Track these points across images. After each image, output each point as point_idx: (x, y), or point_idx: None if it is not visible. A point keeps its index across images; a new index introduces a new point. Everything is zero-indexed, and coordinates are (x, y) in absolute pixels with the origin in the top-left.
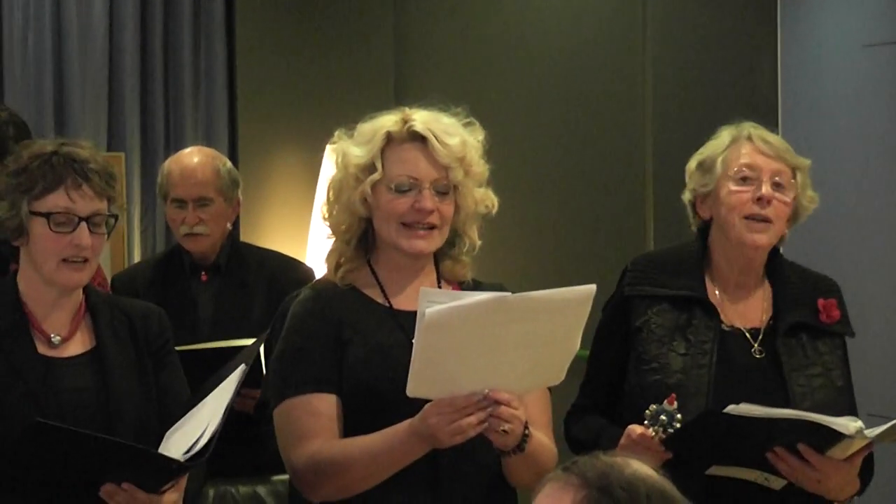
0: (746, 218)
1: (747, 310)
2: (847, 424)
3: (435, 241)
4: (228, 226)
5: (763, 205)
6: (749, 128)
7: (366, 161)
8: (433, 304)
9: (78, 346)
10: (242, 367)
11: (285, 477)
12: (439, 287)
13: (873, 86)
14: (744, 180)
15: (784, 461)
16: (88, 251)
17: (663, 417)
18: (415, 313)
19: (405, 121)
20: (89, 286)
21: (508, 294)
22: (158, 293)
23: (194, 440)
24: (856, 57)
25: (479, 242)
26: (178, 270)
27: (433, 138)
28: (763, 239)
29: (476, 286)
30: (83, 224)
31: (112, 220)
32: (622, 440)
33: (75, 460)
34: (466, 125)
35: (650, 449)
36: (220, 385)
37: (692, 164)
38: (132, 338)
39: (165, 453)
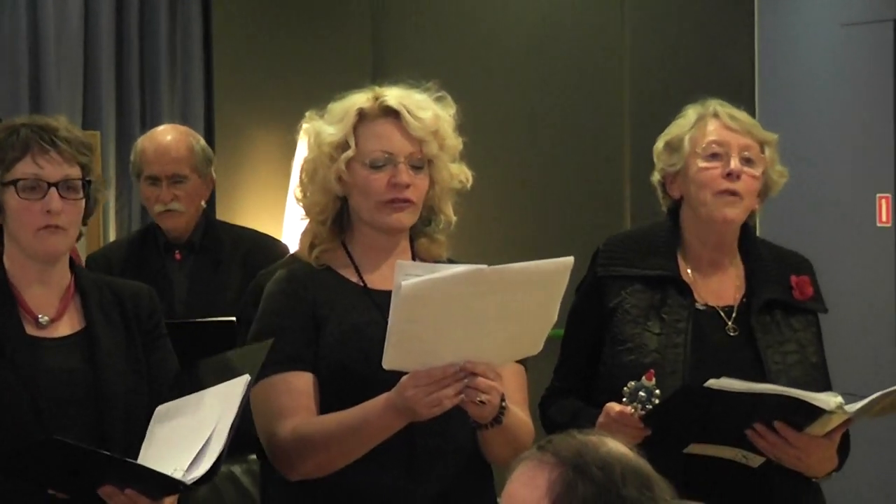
0: (717, 194)
1: (721, 288)
2: (827, 400)
3: (412, 216)
4: (203, 203)
5: (733, 179)
6: (715, 105)
7: (339, 139)
8: (409, 276)
9: (67, 326)
10: (246, 378)
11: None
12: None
13: (851, 65)
14: (713, 156)
15: (763, 438)
16: (62, 217)
17: (642, 394)
18: (390, 293)
19: (377, 97)
20: (78, 267)
21: (485, 266)
22: (133, 272)
23: (195, 455)
24: (834, 36)
25: (454, 219)
26: (153, 249)
27: (406, 112)
28: (734, 213)
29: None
30: (52, 189)
31: (87, 185)
32: (600, 418)
33: (85, 472)
34: (438, 99)
35: (629, 426)
36: (223, 390)
37: (659, 145)
38: (122, 318)
39: (155, 447)
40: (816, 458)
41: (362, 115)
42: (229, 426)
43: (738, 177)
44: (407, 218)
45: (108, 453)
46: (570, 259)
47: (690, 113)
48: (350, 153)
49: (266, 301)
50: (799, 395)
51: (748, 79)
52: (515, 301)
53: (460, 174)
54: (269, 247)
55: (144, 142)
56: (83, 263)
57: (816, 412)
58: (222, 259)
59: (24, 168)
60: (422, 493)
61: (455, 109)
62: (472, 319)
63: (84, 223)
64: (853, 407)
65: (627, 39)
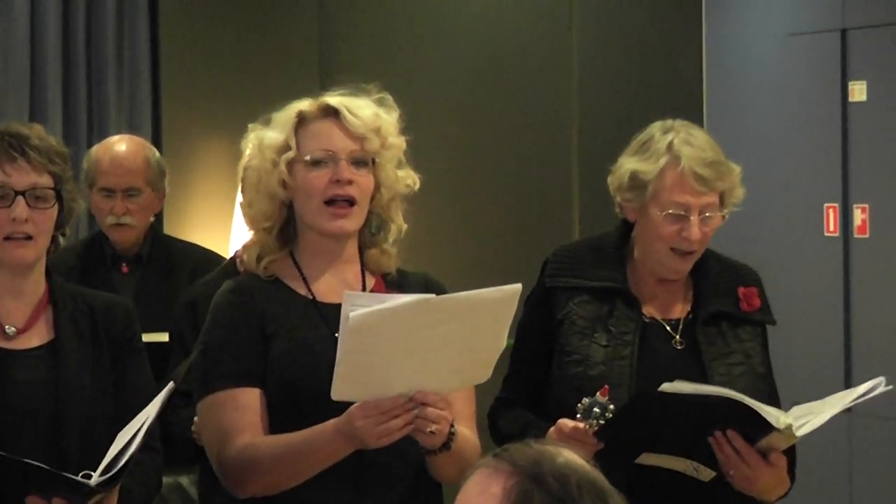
0: (671, 249)
1: (668, 302)
2: (778, 417)
3: (356, 219)
4: (152, 217)
5: (690, 242)
6: (683, 148)
7: (280, 142)
8: (357, 307)
9: (36, 338)
10: (170, 386)
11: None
12: (363, 278)
13: (798, 75)
14: (673, 216)
15: (722, 448)
16: (29, 226)
17: (597, 410)
18: (338, 306)
19: (317, 100)
20: (54, 277)
21: (432, 296)
22: (78, 282)
23: (113, 457)
24: (780, 46)
25: (404, 227)
26: (99, 260)
27: (345, 110)
28: (685, 267)
29: (400, 277)
30: (20, 198)
31: (61, 199)
32: (552, 434)
33: (6, 481)
34: (379, 101)
35: (582, 442)
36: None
37: (624, 171)
38: (93, 331)
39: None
40: (766, 480)
41: (302, 117)
42: (147, 427)
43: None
44: (349, 223)
45: (17, 458)
46: (518, 286)
47: (659, 148)
48: (291, 154)
49: (213, 313)
50: (748, 403)
51: (696, 88)
52: (464, 329)
53: (406, 177)
54: (214, 263)
55: (99, 151)
56: None
57: (766, 428)
58: (169, 273)
59: None
60: None
61: (398, 112)
62: (421, 349)
63: (62, 232)
64: (802, 431)
65: (575, 45)
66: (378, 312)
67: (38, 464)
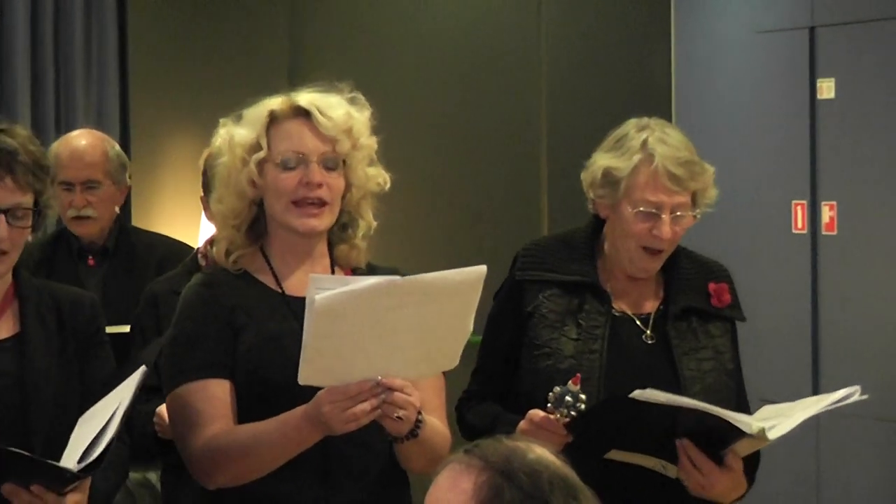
0: (642, 247)
1: (639, 297)
2: (750, 423)
3: (326, 219)
4: (116, 209)
5: (661, 242)
6: (657, 146)
7: (251, 141)
8: (322, 290)
9: (3, 330)
10: (143, 369)
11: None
12: (332, 273)
13: (766, 72)
14: (645, 214)
15: (685, 455)
16: (6, 243)
17: (568, 399)
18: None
19: (289, 99)
20: (20, 271)
21: (398, 277)
22: (46, 276)
23: (88, 444)
24: (748, 44)
25: (374, 224)
26: (66, 253)
27: (317, 111)
28: (655, 266)
29: (370, 271)
30: (1, 216)
31: (39, 217)
32: (523, 424)
33: None
34: (351, 100)
35: (553, 433)
36: (124, 385)
37: (597, 168)
38: (59, 324)
39: (71, 448)
40: (720, 488)
41: (273, 117)
42: (123, 413)
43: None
44: (320, 223)
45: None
46: (483, 268)
47: (633, 145)
48: (262, 154)
49: (182, 306)
50: (722, 415)
51: (665, 86)
52: (430, 312)
53: (377, 176)
54: (182, 253)
55: (59, 146)
56: None
57: (738, 434)
58: (136, 265)
59: None
60: (338, 500)
61: (370, 111)
62: (387, 332)
63: (33, 232)
64: (775, 434)
65: (544, 45)
66: (344, 294)
67: (20, 451)
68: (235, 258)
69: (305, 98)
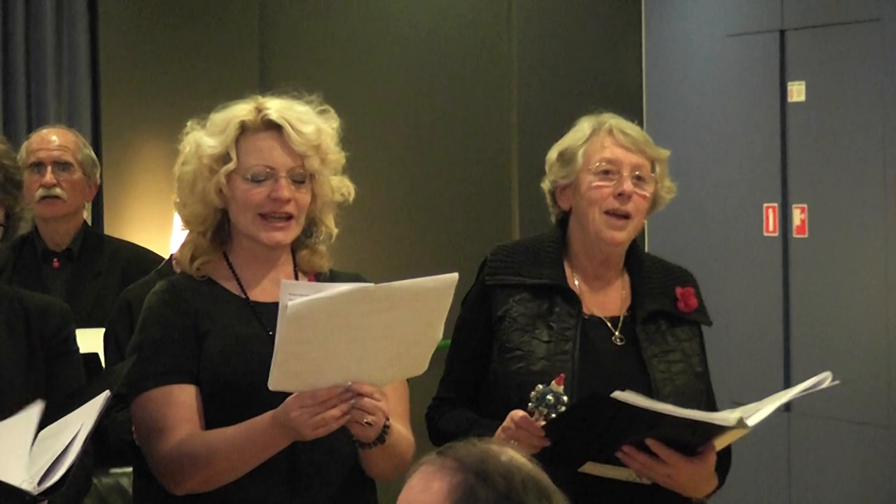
0: (606, 213)
1: (606, 300)
2: (727, 417)
3: (292, 232)
4: (84, 213)
5: (624, 200)
6: (609, 119)
7: (220, 151)
8: (294, 296)
9: None
10: (106, 394)
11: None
12: (296, 278)
13: (737, 75)
14: (604, 174)
15: (633, 458)
16: None
17: (550, 398)
18: (272, 305)
19: (259, 109)
20: None
21: (370, 284)
22: (10, 278)
23: (49, 465)
24: (720, 47)
25: (335, 231)
26: (31, 256)
27: (288, 126)
28: (622, 235)
29: (333, 276)
30: None
31: (9, 231)
32: (505, 423)
33: None
34: (321, 112)
35: (531, 434)
36: (87, 406)
37: (552, 155)
38: (27, 331)
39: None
40: (687, 477)
41: (244, 128)
42: (84, 437)
43: (629, 197)
44: (285, 236)
45: None
46: (455, 276)
47: (585, 125)
48: (231, 166)
49: (146, 312)
50: (700, 418)
51: (636, 89)
52: (400, 319)
53: (342, 187)
54: (148, 260)
55: (32, 136)
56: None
57: (718, 430)
58: (101, 269)
59: None
60: None
61: (338, 122)
62: (358, 339)
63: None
64: (753, 420)
65: (515, 48)
66: (316, 301)
67: None
68: (199, 264)
69: (276, 110)
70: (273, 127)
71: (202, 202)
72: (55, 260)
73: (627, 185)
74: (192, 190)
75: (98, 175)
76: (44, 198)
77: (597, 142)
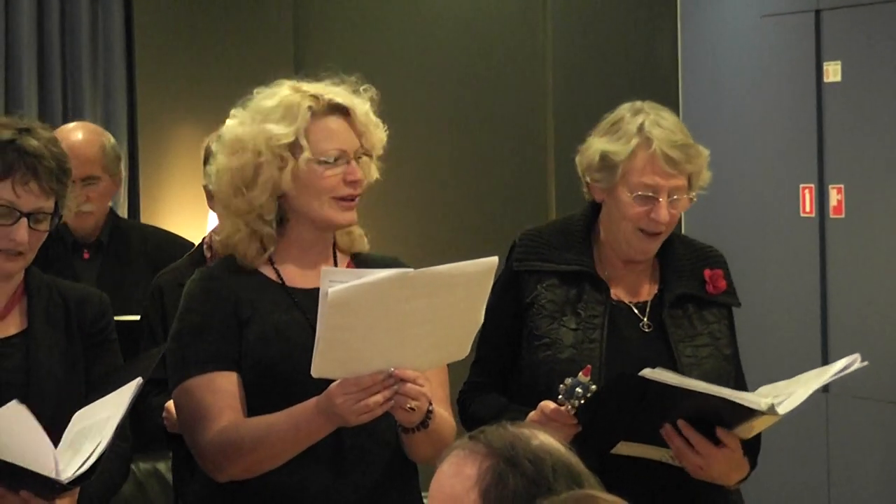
0: (639, 230)
1: (635, 284)
2: (758, 400)
3: (355, 211)
4: (110, 202)
5: (657, 225)
6: (654, 129)
7: (289, 138)
8: (335, 283)
9: (10, 327)
10: (138, 381)
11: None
12: (335, 258)
13: (772, 56)
14: (642, 197)
15: (674, 440)
16: (24, 246)
17: (579, 390)
18: (310, 291)
19: (318, 95)
20: (31, 268)
21: (410, 270)
22: (42, 271)
23: (86, 456)
24: (754, 28)
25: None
26: (61, 248)
27: (355, 108)
28: (652, 248)
29: (371, 260)
30: (23, 220)
31: (56, 219)
32: (533, 415)
33: None
34: (363, 91)
35: (563, 424)
36: (118, 394)
37: (594, 154)
38: (66, 321)
39: (64, 448)
40: (720, 468)
41: (313, 114)
42: (115, 427)
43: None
44: (354, 215)
45: None
46: (495, 259)
47: (630, 129)
48: (308, 154)
49: (186, 299)
50: (730, 397)
51: (672, 72)
52: (441, 304)
53: (375, 168)
54: (177, 245)
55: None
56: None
57: (748, 413)
58: (130, 257)
59: (2, 192)
60: (348, 490)
61: (376, 101)
62: (399, 324)
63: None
64: (784, 408)
65: (550, 32)
66: (357, 287)
67: (6, 460)
68: (267, 254)
69: (337, 94)
70: (337, 110)
71: (269, 191)
72: (85, 251)
73: (663, 213)
74: (256, 180)
75: (122, 166)
76: (74, 213)
77: (639, 162)
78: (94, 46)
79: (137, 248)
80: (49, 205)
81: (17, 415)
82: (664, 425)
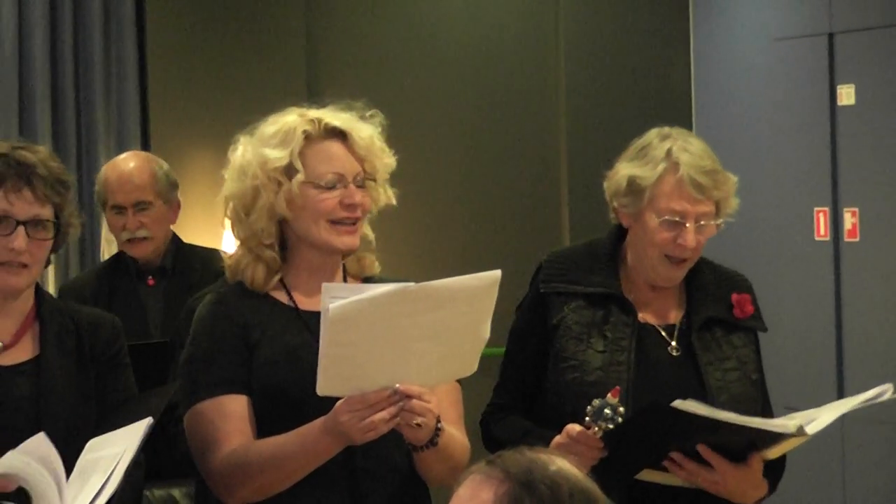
0: (665, 256)
1: (662, 307)
2: (786, 424)
3: (358, 235)
4: (171, 228)
5: (684, 250)
6: (681, 154)
7: (284, 162)
8: (336, 298)
9: (22, 353)
10: (149, 421)
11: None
12: (345, 281)
13: (786, 79)
14: (669, 223)
15: (681, 466)
16: (25, 256)
17: (607, 411)
18: (320, 314)
19: (314, 119)
20: (43, 292)
21: (411, 284)
22: (105, 301)
23: (94, 493)
24: (767, 51)
25: (372, 236)
26: (125, 276)
27: (352, 132)
28: (678, 275)
29: (381, 282)
30: (20, 228)
31: (55, 225)
32: (559, 438)
33: None
34: (370, 117)
35: (589, 447)
36: (129, 430)
37: (622, 179)
38: (78, 347)
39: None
40: (736, 484)
41: (307, 137)
42: (126, 465)
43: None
44: (354, 240)
45: None
46: (498, 273)
47: (657, 154)
48: (301, 176)
49: (197, 324)
50: (760, 426)
51: (685, 96)
52: (445, 318)
53: (390, 193)
54: None
55: (107, 171)
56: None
57: (776, 438)
58: (194, 281)
59: None
60: None
61: (384, 127)
62: (403, 340)
63: (54, 251)
64: (814, 428)
65: (563, 53)
66: (357, 302)
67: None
68: (274, 279)
69: (335, 117)
70: (335, 134)
71: (267, 215)
72: (150, 278)
73: (690, 239)
74: (254, 205)
75: (177, 193)
76: (129, 240)
77: (666, 187)
78: (107, 74)
79: (201, 272)
80: (46, 212)
81: (38, 446)
82: (670, 455)
